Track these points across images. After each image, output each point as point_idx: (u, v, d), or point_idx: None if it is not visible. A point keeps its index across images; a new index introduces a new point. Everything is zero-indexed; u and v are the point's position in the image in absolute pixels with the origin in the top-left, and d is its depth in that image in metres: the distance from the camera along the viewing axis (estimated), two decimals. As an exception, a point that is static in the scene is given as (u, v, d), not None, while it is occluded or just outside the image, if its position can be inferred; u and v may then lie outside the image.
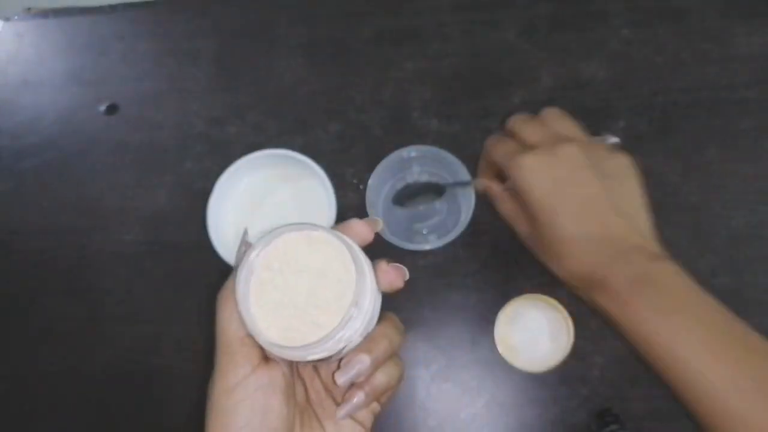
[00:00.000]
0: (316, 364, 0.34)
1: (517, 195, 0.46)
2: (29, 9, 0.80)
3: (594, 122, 0.63)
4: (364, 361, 0.31)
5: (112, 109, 0.73)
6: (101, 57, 0.76)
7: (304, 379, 0.35)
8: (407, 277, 0.34)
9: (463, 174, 0.59)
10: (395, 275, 0.33)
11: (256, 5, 0.75)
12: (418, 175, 0.64)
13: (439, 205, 0.63)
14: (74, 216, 0.70)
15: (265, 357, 0.32)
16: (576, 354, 0.56)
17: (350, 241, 0.32)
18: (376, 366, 0.32)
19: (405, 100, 0.68)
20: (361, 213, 0.59)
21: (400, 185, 0.64)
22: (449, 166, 0.60)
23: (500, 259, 0.62)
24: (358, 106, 0.69)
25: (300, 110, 0.70)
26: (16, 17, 0.80)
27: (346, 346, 0.30)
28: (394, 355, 0.33)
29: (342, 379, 0.31)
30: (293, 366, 0.33)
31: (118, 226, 0.69)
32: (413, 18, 0.71)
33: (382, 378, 0.32)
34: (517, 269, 0.61)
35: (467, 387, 0.59)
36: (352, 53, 0.71)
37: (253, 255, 0.31)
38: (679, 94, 0.64)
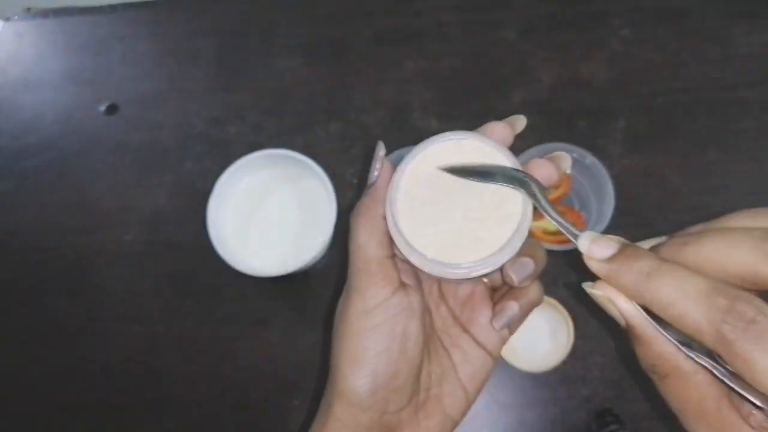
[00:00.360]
0: (444, 291, 0.32)
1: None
2: (29, 9, 0.80)
3: (594, 122, 0.64)
4: (531, 264, 0.28)
5: (112, 109, 0.73)
6: (101, 57, 0.76)
7: (430, 307, 0.32)
8: (570, 161, 0.30)
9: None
10: (553, 168, 0.29)
11: (256, 5, 0.75)
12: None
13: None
14: (74, 216, 0.70)
15: (402, 281, 0.29)
16: (576, 354, 0.56)
17: (503, 147, 0.28)
18: (535, 274, 0.29)
19: (405, 100, 0.68)
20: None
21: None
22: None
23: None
24: (358, 106, 0.69)
25: (300, 110, 0.70)
26: (16, 17, 0.80)
27: (509, 259, 0.27)
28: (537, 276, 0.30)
29: (518, 277, 0.28)
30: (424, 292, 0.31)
31: (118, 226, 0.69)
32: (413, 18, 0.71)
33: (535, 292, 0.30)
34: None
35: (467, 387, 0.59)
36: (352, 53, 0.71)
37: (398, 171, 0.28)
38: (679, 94, 0.64)
